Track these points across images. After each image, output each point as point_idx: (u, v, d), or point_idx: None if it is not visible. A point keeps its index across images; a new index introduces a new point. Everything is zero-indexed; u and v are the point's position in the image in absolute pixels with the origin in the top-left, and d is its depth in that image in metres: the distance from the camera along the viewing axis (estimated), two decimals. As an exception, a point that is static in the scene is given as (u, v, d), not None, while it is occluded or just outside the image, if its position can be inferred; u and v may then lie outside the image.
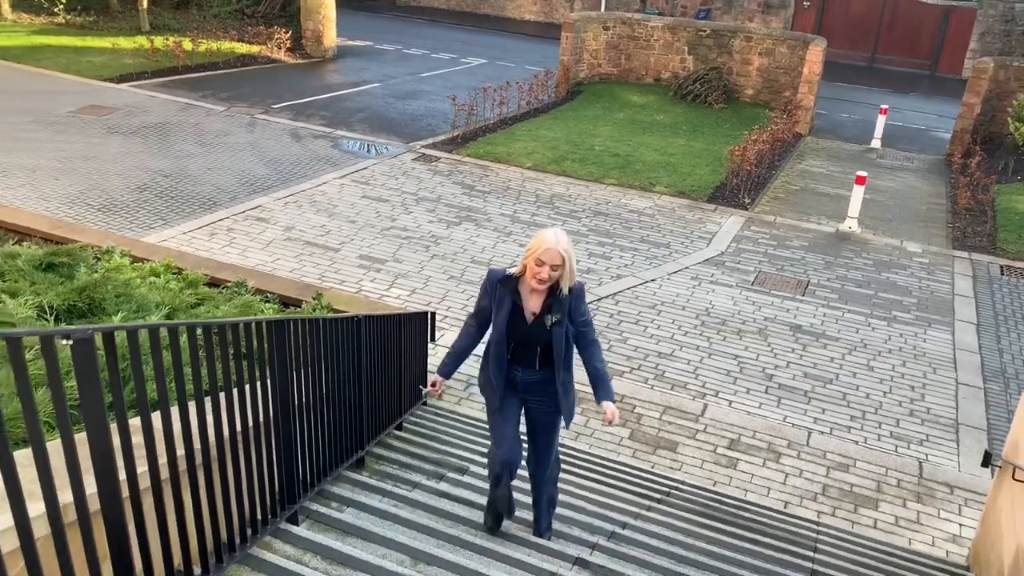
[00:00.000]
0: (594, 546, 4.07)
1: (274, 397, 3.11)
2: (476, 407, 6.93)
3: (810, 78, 17.01)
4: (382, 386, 4.92)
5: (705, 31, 18.96)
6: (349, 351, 4.12)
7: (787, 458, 6.53)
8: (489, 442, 4.16)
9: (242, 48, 20.05)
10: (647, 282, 9.70)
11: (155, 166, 12.07)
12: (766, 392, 7.49)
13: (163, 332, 2.37)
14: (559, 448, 4.24)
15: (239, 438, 2.84)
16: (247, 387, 2.86)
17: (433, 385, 3.85)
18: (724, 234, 11.47)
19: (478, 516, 4.19)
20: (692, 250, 10.79)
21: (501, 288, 3.68)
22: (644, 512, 4.84)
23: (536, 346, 3.71)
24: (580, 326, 3.74)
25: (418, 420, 6.05)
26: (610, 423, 3.64)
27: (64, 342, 1.80)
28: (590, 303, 9.00)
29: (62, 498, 1.86)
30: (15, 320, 4.19)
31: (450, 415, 6.53)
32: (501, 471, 3.85)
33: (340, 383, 4.03)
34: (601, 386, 3.77)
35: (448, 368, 3.92)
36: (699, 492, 5.69)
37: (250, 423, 2.91)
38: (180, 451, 2.46)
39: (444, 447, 5.43)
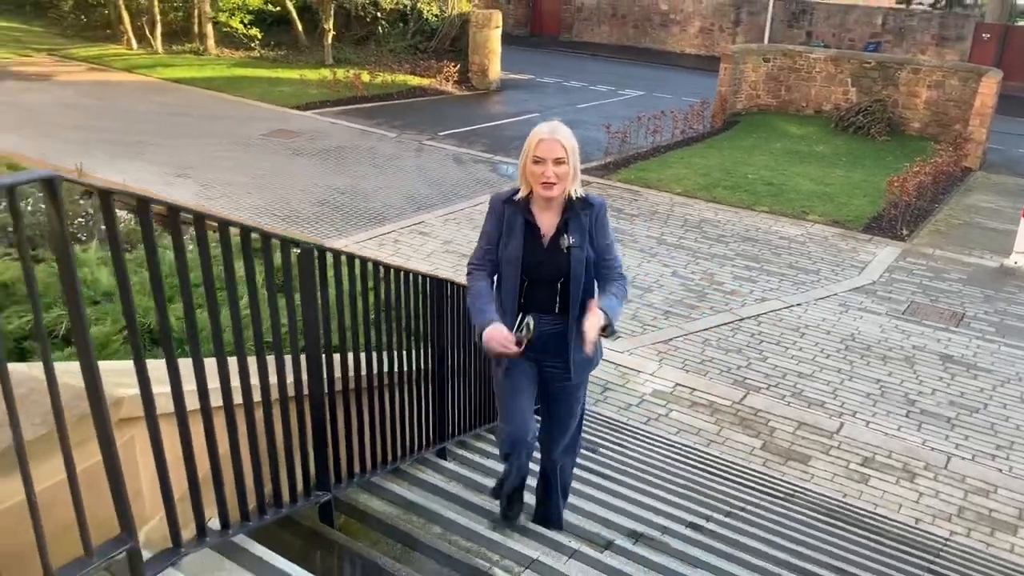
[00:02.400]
0: (708, 518, 4.33)
1: (434, 353, 3.68)
2: (613, 408, 7.30)
3: (982, 111, 16.32)
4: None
5: (870, 63, 18.58)
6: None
7: (923, 479, 6.48)
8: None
9: (414, 80, 21.49)
10: (792, 306, 9.74)
11: (333, 184, 13.28)
12: (907, 416, 7.41)
13: (372, 268, 3.06)
14: (582, 431, 3.59)
15: (415, 375, 3.42)
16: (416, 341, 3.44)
17: (510, 345, 2.82)
18: (877, 264, 11.28)
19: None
20: (842, 278, 10.70)
21: (510, 208, 2.97)
22: (765, 502, 5.05)
23: (554, 282, 2.96)
24: (603, 252, 3.02)
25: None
26: (587, 334, 2.76)
27: (294, 249, 2.48)
28: (728, 324, 9.18)
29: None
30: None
31: (586, 413, 6.92)
32: (512, 452, 3.15)
33: (466, 351, 4.55)
34: (605, 298, 2.98)
35: (489, 311, 2.93)
36: (826, 498, 5.80)
37: (422, 366, 3.52)
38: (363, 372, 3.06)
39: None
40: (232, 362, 2.17)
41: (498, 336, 2.79)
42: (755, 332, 9.01)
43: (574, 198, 2.95)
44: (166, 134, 15.17)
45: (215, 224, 2.10)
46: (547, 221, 2.97)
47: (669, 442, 6.69)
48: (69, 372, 1.82)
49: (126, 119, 16.10)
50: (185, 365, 1.99)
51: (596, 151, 16.12)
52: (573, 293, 2.96)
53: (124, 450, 1.96)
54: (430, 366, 3.75)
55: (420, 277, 3.66)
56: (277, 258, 2.43)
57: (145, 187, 11.57)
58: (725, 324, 9.18)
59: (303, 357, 2.53)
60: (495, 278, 3.07)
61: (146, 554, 1.91)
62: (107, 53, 22.24)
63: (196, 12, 23.03)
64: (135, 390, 1.84)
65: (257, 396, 2.26)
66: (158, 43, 22.75)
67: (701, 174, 14.81)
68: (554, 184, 2.85)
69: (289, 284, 2.68)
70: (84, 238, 5.94)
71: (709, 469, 5.85)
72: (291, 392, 2.45)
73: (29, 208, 5.75)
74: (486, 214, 3.06)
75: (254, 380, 2.23)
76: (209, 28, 22.88)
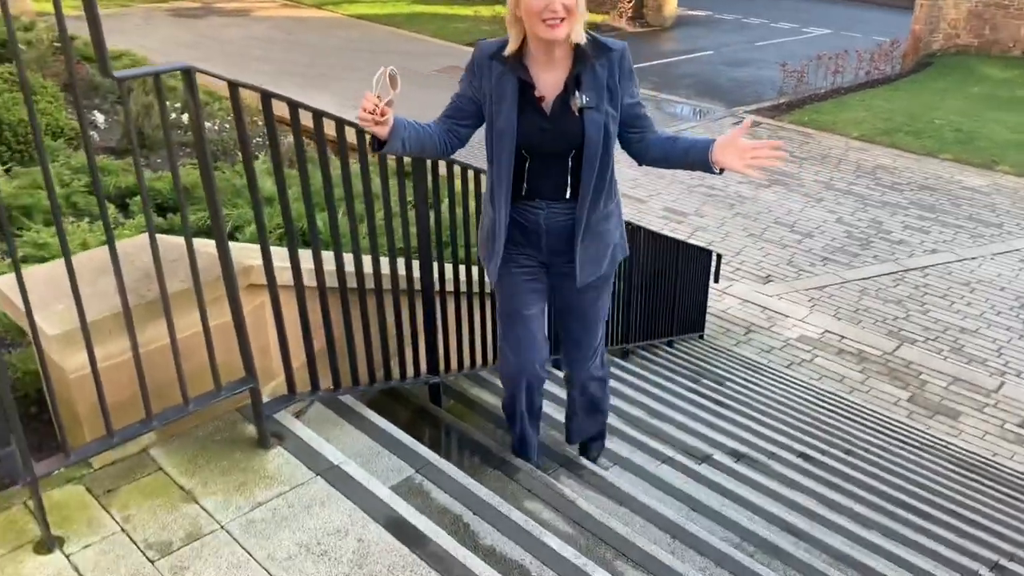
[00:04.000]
0: (823, 452, 4.29)
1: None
2: (753, 349, 7.24)
3: None
4: (654, 299, 5.51)
5: (1096, -3, 16.55)
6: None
7: (1088, 447, 6.03)
8: None
9: (588, 17, 21.28)
10: (965, 259, 9.12)
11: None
12: (1081, 381, 6.87)
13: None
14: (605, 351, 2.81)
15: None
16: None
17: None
18: (1074, 220, 10.29)
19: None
20: (1029, 233, 9.87)
21: (497, 64, 2.24)
22: (894, 446, 4.92)
23: (564, 157, 2.27)
24: (632, 112, 2.29)
25: (691, 347, 6.55)
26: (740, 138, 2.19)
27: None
28: (890, 274, 8.74)
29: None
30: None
31: (723, 351, 6.93)
32: (515, 386, 2.56)
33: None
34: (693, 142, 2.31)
35: (403, 122, 2.19)
36: (971, 454, 5.56)
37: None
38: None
39: (703, 364, 5.89)
40: (348, 256, 2.46)
41: (361, 105, 2.03)
42: (919, 284, 8.54)
43: (582, 44, 2.18)
44: (347, 67, 15.99)
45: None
46: (549, 79, 2.22)
47: (807, 385, 6.58)
48: (211, 245, 2.16)
49: (312, 53, 17.09)
50: (313, 255, 2.31)
51: (770, 91, 15.47)
52: (587, 169, 2.25)
53: (255, 313, 2.30)
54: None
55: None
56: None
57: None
58: (888, 274, 8.76)
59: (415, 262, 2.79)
60: (450, 133, 2.33)
61: (266, 399, 2.25)
62: (300, -10, 23.51)
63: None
64: (259, 262, 2.15)
65: (370, 284, 2.53)
66: (346, -20, 23.74)
67: (882, 118, 13.91)
68: (560, 20, 2.08)
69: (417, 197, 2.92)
70: (258, 155, 6.53)
71: (844, 413, 5.74)
72: (404, 286, 2.72)
73: (215, 127, 6.39)
74: (463, 72, 2.32)
75: (368, 270, 2.50)
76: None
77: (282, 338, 2.22)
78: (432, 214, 2.78)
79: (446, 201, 2.97)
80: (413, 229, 2.88)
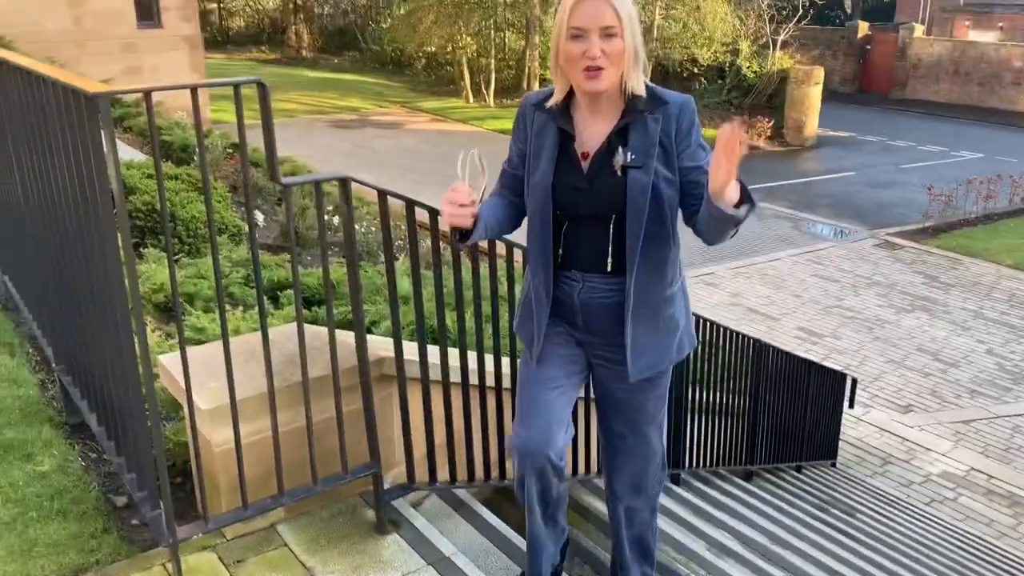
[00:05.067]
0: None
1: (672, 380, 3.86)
2: (890, 483, 6.83)
3: None
4: (783, 421, 5.35)
5: None
6: (746, 369, 4.68)
7: None
8: None
9: (724, 135, 21.53)
10: None
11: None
12: None
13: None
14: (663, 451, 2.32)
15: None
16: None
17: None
18: None
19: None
20: None
21: (540, 114, 2.01)
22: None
23: (605, 221, 1.97)
24: (691, 179, 1.92)
25: (821, 474, 6.26)
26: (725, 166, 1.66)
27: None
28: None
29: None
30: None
31: (856, 481, 6.58)
32: (523, 471, 2.08)
33: (734, 394, 4.60)
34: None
35: (483, 209, 1.96)
36: None
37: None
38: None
39: (833, 492, 5.60)
40: (472, 355, 2.58)
41: (449, 197, 1.87)
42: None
43: (636, 95, 1.90)
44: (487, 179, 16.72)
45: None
46: (594, 131, 1.96)
47: (950, 526, 6.12)
48: (349, 336, 2.33)
49: (455, 164, 18.01)
50: (443, 354, 2.45)
51: (915, 214, 15.01)
52: (631, 237, 1.92)
53: (384, 402, 2.44)
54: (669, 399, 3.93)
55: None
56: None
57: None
58: (1045, 412, 8.15)
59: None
60: (515, 205, 2.11)
61: (387, 486, 2.36)
62: (448, 106, 25.02)
63: (526, 70, 25.13)
64: (391, 354, 2.30)
65: (491, 383, 2.64)
66: (491, 98, 25.14)
67: (1040, 246, 13.19)
68: (601, 70, 1.83)
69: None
70: (399, 256, 6.90)
71: (990, 560, 5.29)
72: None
73: (362, 229, 6.84)
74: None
75: (489, 368, 2.62)
76: (536, 84, 24.83)
77: (406, 429, 2.34)
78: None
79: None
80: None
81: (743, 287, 11.30)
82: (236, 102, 1.85)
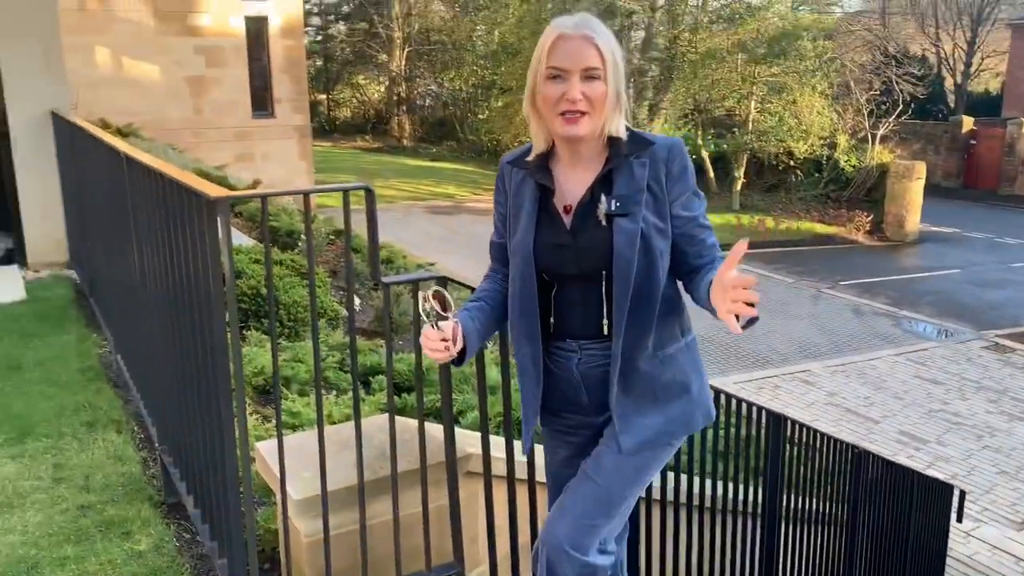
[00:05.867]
0: None
1: (765, 492, 3.73)
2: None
3: None
4: (882, 536, 5.05)
5: None
6: (844, 477, 4.46)
7: None
8: None
9: (820, 228, 21.18)
10: None
11: (720, 324, 13.55)
12: None
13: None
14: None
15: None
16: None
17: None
18: None
19: None
20: None
21: (517, 172, 1.84)
22: None
23: (596, 280, 1.77)
24: (686, 226, 1.76)
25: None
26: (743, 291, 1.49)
27: None
28: None
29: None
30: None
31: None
32: (538, 552, 1.90)
33: (831, 502, 4.38)
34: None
35: (463, 315, 1.83)
36: None
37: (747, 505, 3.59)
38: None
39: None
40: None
41: (423, 344, 1.72)
42: None
43: (621, 138, 1.74)
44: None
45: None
46: (576, 182, 1.78)
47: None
48: (438, 430, 2.36)
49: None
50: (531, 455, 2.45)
51: (1024, 315, 14.32)
52: (619, 293, 1.72)
53: (468, 499, 2.44)
54: (760, 505, 3.79)
55: (763, 412, 3.77)
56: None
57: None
58: None
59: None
60: (504, 284, 1.92)
61: (469, 587, 2.33)
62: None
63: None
64: (479, 451, 2.31)
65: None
66: (584, 186, 25.49)
67: None
68: (581, 115, 1.68)
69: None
70: (487, 345, 6.96)
71: None
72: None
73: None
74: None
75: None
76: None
77: (490, 528, 2.33)
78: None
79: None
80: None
81: (840, 386, 10.90)
82: (344, 207, 1.95)
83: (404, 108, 32.45)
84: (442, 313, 1.66)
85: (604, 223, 1.72)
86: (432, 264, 12.94)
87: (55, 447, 3.23)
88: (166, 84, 12.75)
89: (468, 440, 2.47)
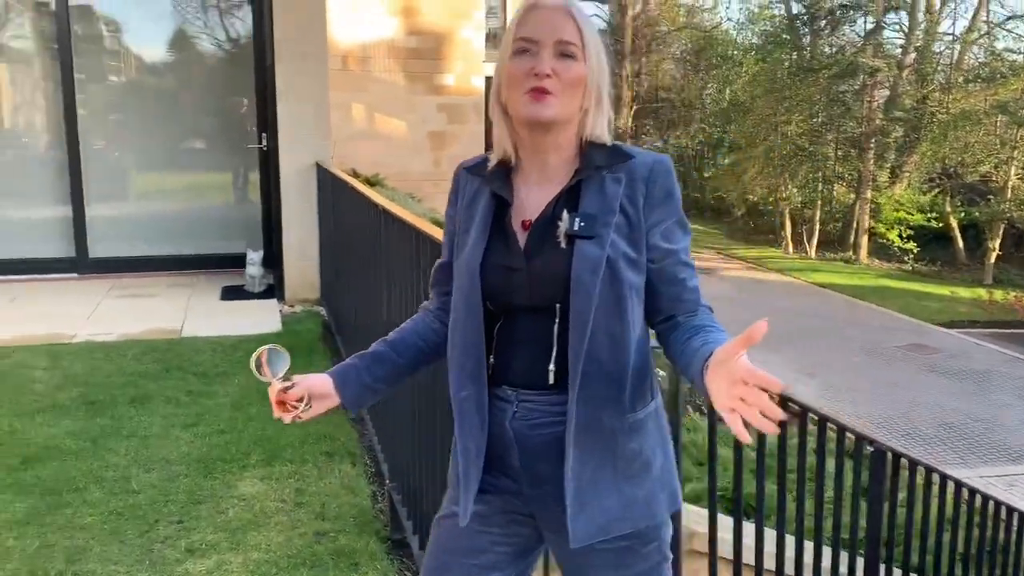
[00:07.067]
0: None
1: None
2: None
3: None
4: None
5: None
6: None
7: None
8: None
9: (1091, 310, 18.72)
10: None
11: (965, 408, 12.30)
12: None
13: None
14: None
15: None
16: None
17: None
18: None
19: None
20: None
21: (474, 180, 1.52)
22: None
23: (549, 312, 1.40)
24: (661, 266, 1.42)
25: None
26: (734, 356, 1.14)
27: (868, 448, 2.59)
28: None
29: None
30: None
31: None
32: None
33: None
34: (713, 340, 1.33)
35: (356, 363, 1.58)
36: None
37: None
38: None
39: None
40: (789, 539, 2.41)
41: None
42: None
43: (594, 142, 1.43)
44: (801, 333, 16.02)
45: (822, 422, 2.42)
46: (539, 196, 1.45)
47: None
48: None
49: (767, 314, 17.49)
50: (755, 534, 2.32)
51: None
52: (575, 331, 1.36)
53: (689, 579, 2.34)
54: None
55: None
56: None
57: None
58: None
59: (860, 559, 2.61)
60: (443, 313, 1.58)
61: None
62: (764, 255, 24.61)
63: (855, 223, 24.08)
64: (705, 530, 2.21)
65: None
66: (812, 250, 24.34)
67: None
68: (549, 95, 1.36)
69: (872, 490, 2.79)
70: (705, 411, 6.76)
71: None
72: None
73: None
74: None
75: (808, 559, 2.42)
76: (864, 239, 23.65)
77: (711, 612, 2.22)
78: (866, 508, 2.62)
79: (903, 494, 2.78)
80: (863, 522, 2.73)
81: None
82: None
83: (628, 164, 32.74)
84: (260, 377, 1.45)
85: (564, 245, 1.38)
86: (649, 321, 12.79)
87: (297, 473, 3.50)
88: (411, 138, 13.74)
89: (694, 517, 2.38)
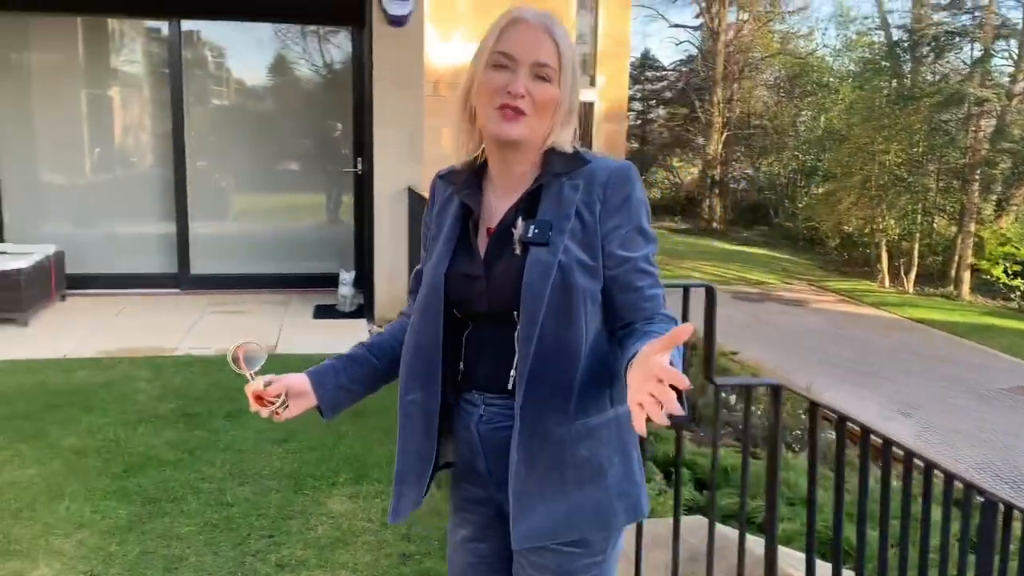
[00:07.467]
0: None
1: None
2: None
3: None
4: None
5: None
6: None
7: None
8: None
9: None
10: None
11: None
12: None
13: None
14: None
15: None
16: None
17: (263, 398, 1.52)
18: None
19: None
20: None
21: (446, 188, 1.57)
22: None
23: (510, 319, 1.45)
24: (617, 275, 1.42)
25: None
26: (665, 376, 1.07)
27: (978, 498, 2.46)
28: None
29: None
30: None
31: None
32: None
33: None
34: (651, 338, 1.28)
35: (333, 364, 1.60)
36: None
37: None
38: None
39: None
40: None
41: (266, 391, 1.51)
42: None
43: (555, 150, 1.46)
44: (899, 370, 15.40)
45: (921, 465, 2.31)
46: (505, 204, 1.50)
47: None
48: (757, 543, 2.23)
49: (862, 350, 16.90)
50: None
51: None
52: (523, 336, 1.40)
53: (782, 626, 2.25)
54: None
55: None
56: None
57: (865, 417, 11.93)
58: None
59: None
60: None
61: None
62: (859, 288, 23.78)
63: (956, 257, 23.09)
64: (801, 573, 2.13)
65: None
66: (910, 284, 23.42)
67: None
68: (521, 116, 1.40)
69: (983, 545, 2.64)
70: (797, 448, 6.53)
71: None
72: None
73: (758, 411, 6.64)
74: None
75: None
76: (966, 274, 22.64)
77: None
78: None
79: (1014, 545, 2.61)
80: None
81: None
82: (683, 303, 1.94)
83: (717, 191, 32.28)
84: (237, 371, 1.48)
85: (519, 252, 1.42)
86: (735, 353, 12.57)
87: (384, 492, 3.54)
88: (500, 163, 13.91)
89: (788, 560, 2.30)
